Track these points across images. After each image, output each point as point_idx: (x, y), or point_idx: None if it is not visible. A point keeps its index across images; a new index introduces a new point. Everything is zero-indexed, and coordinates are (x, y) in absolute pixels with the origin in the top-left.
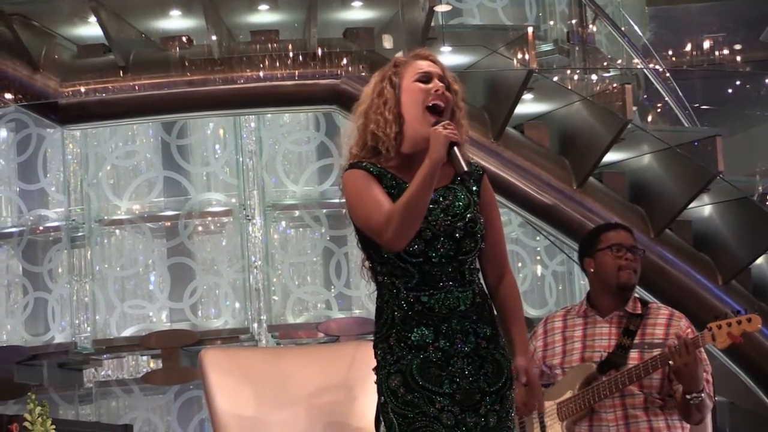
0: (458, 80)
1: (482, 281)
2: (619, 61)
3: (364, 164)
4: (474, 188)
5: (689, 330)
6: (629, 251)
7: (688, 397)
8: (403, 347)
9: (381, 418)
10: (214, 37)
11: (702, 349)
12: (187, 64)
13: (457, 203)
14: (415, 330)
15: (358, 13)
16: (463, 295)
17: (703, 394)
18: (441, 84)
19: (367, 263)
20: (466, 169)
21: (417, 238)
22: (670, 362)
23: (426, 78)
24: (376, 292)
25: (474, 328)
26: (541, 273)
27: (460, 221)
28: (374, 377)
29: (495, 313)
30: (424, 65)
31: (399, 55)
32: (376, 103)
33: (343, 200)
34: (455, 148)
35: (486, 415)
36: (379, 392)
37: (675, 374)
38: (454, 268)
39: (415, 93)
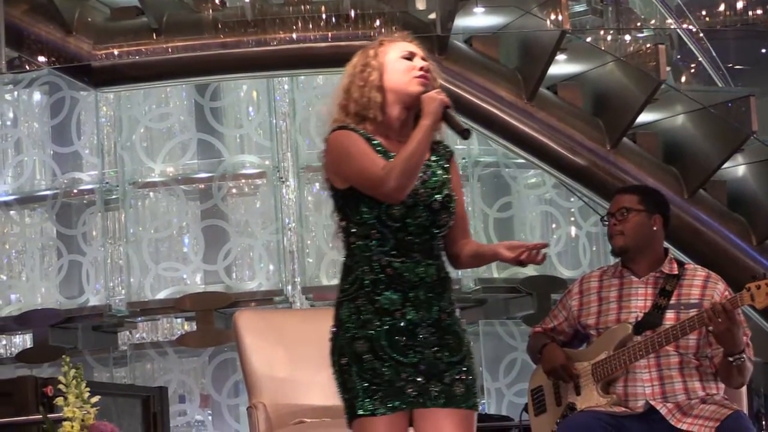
0: (438, 71)
1: (445, 259)
2: (653, 22)
3: (351, 126)
4: (447, 166)
5: (726, 293)
6: (613, 216)
7: (730, 359)
8: (370, 309)
9: (338, 377)
10: None
11: (740, 311)
12: (220, 26)
13: (434, 178)
14: (385, 293)
15: None
16: (431, 268)
17: (744, 356)
18: (425, 63)
19: (340, 222)
20: (465, 127)
21: (400, 203)
22: (710, 328)
23: (410, 56)
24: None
25: (437, 300)
26: (575, 234)
27: (437, 194)
28: None
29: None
30: (407, 46)
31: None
32: (360, 76)
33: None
34: (449, 110)
35: (451, 384)
36: (340, 353)
37: (715, 338)
38: (425, 241)
39: (400, 66)
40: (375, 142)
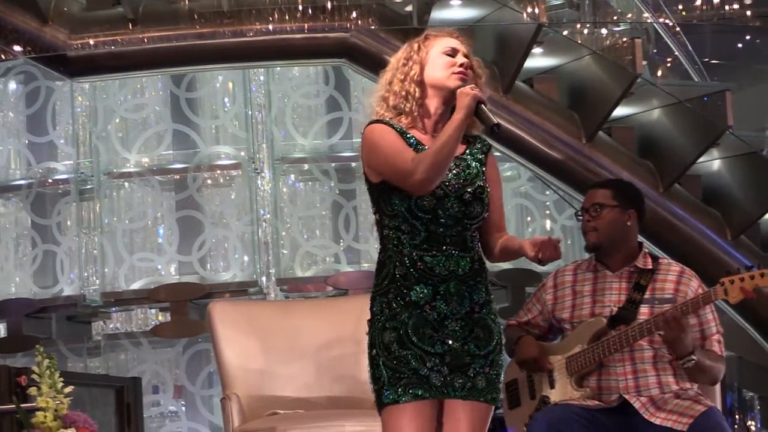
0: (483, 66)
1: (481, 251)
2: (629, 15)
3: (386, 120)
4: (483, 159)
5: (700, 289)
6: (586, 212)
7: (681, 362)
8: (401, 303)
9: (369, 369)
10: None
11: (713, 308)
12: (196, 16)
13: (468, 171)
14: (415, 287)
15: None
16: (464, 260)
17: (694, 357)
18: (466, 60)
19: (376, 216)
20: (495, 121)
21: (430, 194)
22: (660, 333)
23: (453, 53)
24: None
25: (470, 292)
26: (550, 227)
27: (470, 186)
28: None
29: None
30: (451, 42)
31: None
32: (401, 69)
33: (356, 154)
34: (482, 106)
35: (474, 376)
36: (371, 345)
37: (664, 343)
38: (458, 232)
39: (440, 61)
40: (409, 135)
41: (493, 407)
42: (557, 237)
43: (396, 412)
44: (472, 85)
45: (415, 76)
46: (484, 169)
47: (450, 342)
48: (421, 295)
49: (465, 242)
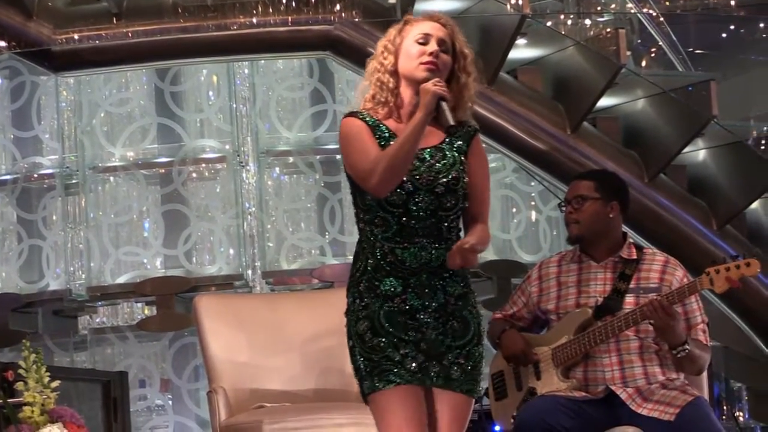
0: (468, 45)
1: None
2: (613, 6)
3: (361, 113)
4: (463, 147)
5: (685, 279)
6: (569, 203)
7: (674, 352)
8: (372, 295)
9: (350, 361)
10: None
11: (698, 298)
12: (180, 10)
13: (442, 161)
14: (385, 280)
15: None
16: (438, 251)
17: (687, 347)
18: (436, 48)
19: (354, 210)
20: (452, 122)
21: (398, 189)
22: (651, 321)
23: (425, 40)
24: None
25: (443, 284)
26: (535, 218)
27: (443, 178)
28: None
29: (468, 272)
30: (427, 27)
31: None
32: (378, 59)
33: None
34: (443, 103)
35: (449, 366)
36: (348, 336)
37: (656, 332)
38: (432, 224)
39: (410, 53)
40: (383, 127)
41: (473, 400)
42: (467, 240)
43: (380, 399)
44: (436, 80)
45: (389, 66)
46: (463, 158)
47: (424, 330)
48: (392, 288)
49: (440, 233)
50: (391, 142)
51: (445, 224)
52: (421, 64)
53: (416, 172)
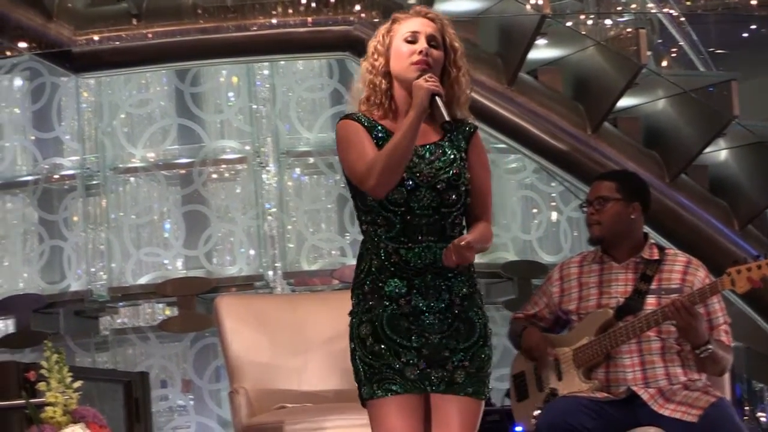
0: (458, 38)
1: None
2: (634, 6)
3: (357, 115)
4: (463, 144)
5: (707, 279)
6: (591, 204)
7: (697, 352)
8: (376, 297)
9: (351, 364)
10: None
11: (720, 298)
12: (199, 11)
13: (443, 158)
14: (389, 281)
15: None
16: (442, 251)
17: (710, 347)
18: (425, 45)
19: (356, 212)
20: (447, 118)
21: (399, 187)
22: (674, 322)
23: (413, 38)
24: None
25: (449, 285)
26: (556, 219)
27: (444, 174)
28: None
29: (474, 272)
30: (415, 24)
31: (399, 13)
32: (370, 60)
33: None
34: (437, 99)
35: (453, 371)
36: (350, 338)
37: (679, 332)
38: (435, 221)
39: (400, 53)
40: (380, 127)
41: (482, 402)
42: (464, 238)
43: (378, 407)
44: (428, 76)
45: (381, 67)
46: (463, 155)
47: (427, 335)
48: (396, 289)
49: (443, 231)
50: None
51: (449, 221)
52: (412, 64)
53: (417, 169)
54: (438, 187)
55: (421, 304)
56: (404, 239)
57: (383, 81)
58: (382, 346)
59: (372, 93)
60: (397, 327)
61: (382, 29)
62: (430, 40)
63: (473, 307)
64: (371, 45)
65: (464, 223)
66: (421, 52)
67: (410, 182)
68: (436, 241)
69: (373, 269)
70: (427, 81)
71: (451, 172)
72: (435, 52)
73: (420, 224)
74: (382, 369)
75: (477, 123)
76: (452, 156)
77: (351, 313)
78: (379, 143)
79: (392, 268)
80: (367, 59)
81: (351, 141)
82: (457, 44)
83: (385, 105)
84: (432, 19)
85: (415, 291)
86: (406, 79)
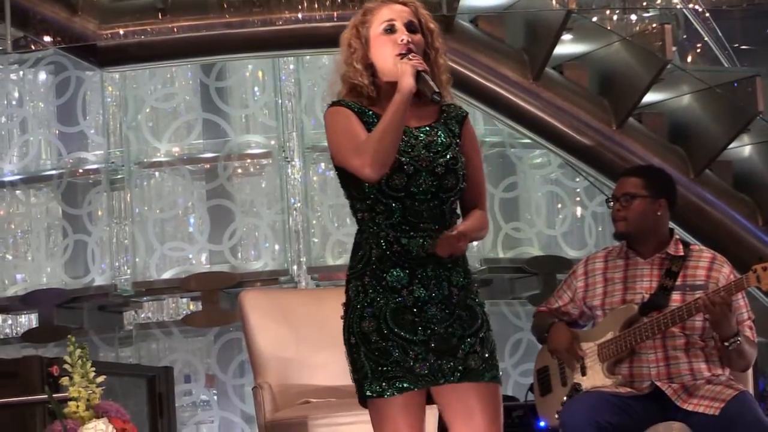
0: (433, 19)
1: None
2: (659, 1)
3: (345, 101)
4: (456, 130)
5: (732, 276)
6: (617, 200)
7: (726, 344)
8: (377, 288)
9: (348, 356)
10: None
11: (744, 294)
12: (225, 5)
13: (438, 141)
14: (391, 270)
15: None
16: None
17: (739, 338)
18: (405, 34)
19: (348, 200)
20: (436, 89)
21: (399, 171)
22: (706, 316)
23: (390, 28)
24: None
25: (448, 275)
26: (580, 214)
27: (441, 158)
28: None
29: (468, 263)
30: (389, 13)
31: (369, 3)
32: (347, 53)
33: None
34: (423, 74)
35: (465, 357)
36: (349, 332)
37: (711, 324)
38: (435, 206)
39: (381, 46)
40: (370, 112)
41: (500, 386)
42: (455, 227)
43: (382, 405)
44: (411, 55)
45: (361, 59)
46: (457, 140)
47: (433, 326)
48: (398, 279)
49: (443, 217)
50: None
51: (447, 206)
52: (397, 55)
53: (414, 152)
54: (437, 171)
55: (423, 295)
56: (405, 227)
57: (365, 73)
58: (389, 343)
59: (355, 85)
60: (401, 321)
61: (355, 21)
62: (409, 26)
63: (470, 294)
64: (344, 38)
65: (459, 211)
66: (402, 40)
67: (411, 167)
68: (437, 230)
69: (373, 259)
70: (411, 60)
71: (448, 155)
72: (415, 38)
73: (420, 210)
74: (390, 366)
75: (503, 118)
76: (447, 140)
77: (346, 305)
78: (370, 129)
79: (393, 258)
80: (341, 53)
81: (341, 126)
82: (432, 25)
83: (372, 95)
84: (405, 3)
85: (417, 281)
86: (392, 73)
